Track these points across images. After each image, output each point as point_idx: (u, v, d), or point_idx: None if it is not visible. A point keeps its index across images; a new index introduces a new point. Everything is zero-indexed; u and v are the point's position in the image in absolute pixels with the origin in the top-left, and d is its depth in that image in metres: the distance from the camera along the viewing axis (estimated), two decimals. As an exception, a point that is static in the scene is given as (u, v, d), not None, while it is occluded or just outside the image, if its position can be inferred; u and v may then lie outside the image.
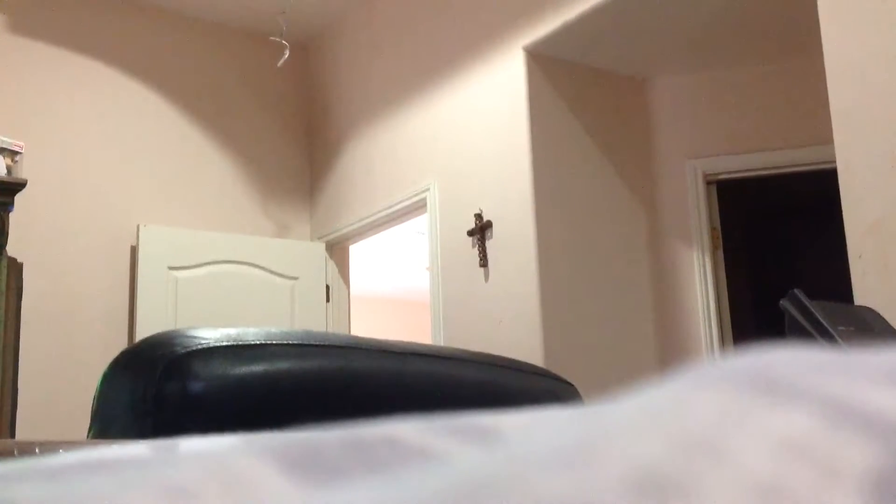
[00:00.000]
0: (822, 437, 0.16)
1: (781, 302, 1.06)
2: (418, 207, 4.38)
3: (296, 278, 4.82)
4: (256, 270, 4.71)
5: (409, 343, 0.95)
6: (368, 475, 0.20)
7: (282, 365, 0.80)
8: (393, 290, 9.21)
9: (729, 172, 4.06)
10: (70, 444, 0.54)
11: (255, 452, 0.21)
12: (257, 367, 0.78)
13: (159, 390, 0.75)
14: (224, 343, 0.79)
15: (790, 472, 0.15)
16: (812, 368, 0.19)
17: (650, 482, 0.15)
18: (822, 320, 1.04)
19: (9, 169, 3.88)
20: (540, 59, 3.85)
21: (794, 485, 0.15)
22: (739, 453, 0.16)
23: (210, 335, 0.80)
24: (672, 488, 0.15)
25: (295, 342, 0.83)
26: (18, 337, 3.82)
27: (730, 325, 3.95)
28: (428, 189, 4.25)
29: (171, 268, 4.48)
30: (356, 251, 5.42)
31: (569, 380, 1.08)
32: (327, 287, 4.93)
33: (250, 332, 0.82)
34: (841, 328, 1.04)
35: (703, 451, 0.16)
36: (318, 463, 0.21)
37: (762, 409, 0.17)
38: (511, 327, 3.70)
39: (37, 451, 0.53)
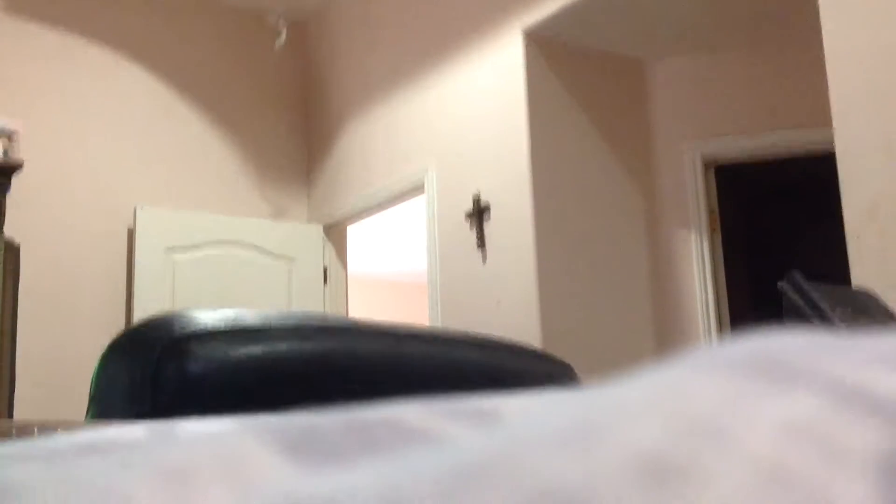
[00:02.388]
0: (826, 421, 0.16)
1: (779, 284, 1.06)
2: (416, 189, 4.37)
3: (293, 260, 4.82)
4: (254, 252, 4.71)
5: (406, 325, 0.95)
6: (367, 457, 0.20)
7: (280, 347, 0.80)
8: (390, 272, 9.21)
9: (727, 155, 4.06)
10: (68, 426, 0.54)
11: (254, 434, 0.21)
12: (255, 349, 0.78)
13: (157, 372, 0.75)
14: (222, 325, 0.79)
15: (794, 456, 0.15)
16: (812, 351, 0.19)
17: (652, 466, 0.15)
18: (819, 303, 1.04)
19: (5, 150, 3.87)
20: (539, 42, 3.83)
21: (798, 468, 0.15)
22: (741, 437, 0.16)
23: (208, 317, 0.79)
24: (674, 472, 0.15)
25: (293, 324, 0.82)
26: (15, 319, 3.82)
27: (727, 308, 3.95)
28: (426, 171, 4.25)
29: (168, 249, 4.48)
30: (353, 233, 5.42)
31: (566, 361, 1.08)
32: (325, 269, 4.93)
33: (248, 315, 0.82)
34: (839, 310, 1.04)
35: (704, 435, 0.16)
36: (317, 445, 0.21)
37: (761, 392, 0.17)
38: (509, 309, 3.70)
39: (35, 432, 0.53)
